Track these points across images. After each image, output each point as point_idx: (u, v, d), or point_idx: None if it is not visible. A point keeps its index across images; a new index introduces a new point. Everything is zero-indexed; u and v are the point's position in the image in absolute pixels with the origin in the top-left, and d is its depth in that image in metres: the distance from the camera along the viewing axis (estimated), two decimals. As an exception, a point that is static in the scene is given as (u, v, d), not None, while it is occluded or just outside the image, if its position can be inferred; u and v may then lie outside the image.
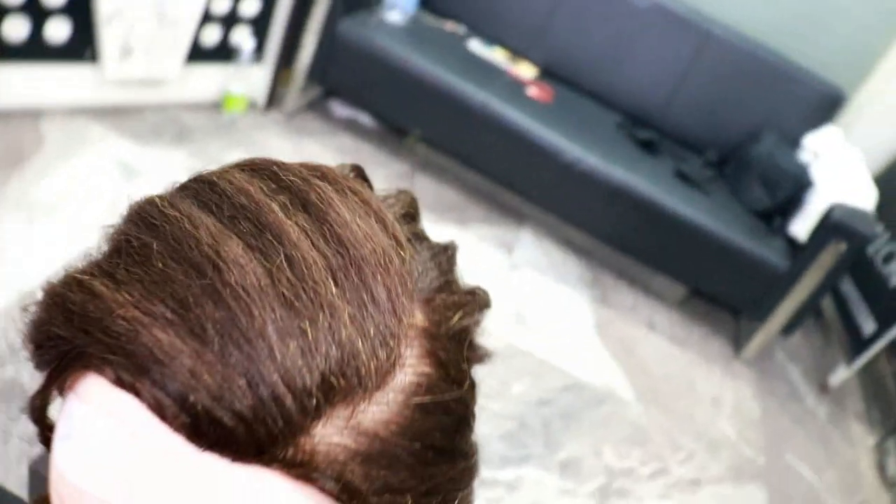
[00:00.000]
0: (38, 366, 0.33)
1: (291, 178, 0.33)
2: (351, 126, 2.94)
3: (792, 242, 2.64)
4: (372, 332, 0.29)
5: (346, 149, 2.79)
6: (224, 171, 0.33)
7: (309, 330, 0.28)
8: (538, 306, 2.52)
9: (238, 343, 0.27)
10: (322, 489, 0.29)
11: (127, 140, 2.34)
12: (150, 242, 0.30)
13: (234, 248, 0.29)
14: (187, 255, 0.29)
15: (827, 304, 3.03)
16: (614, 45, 2.92)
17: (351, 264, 0.30)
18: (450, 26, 3.00)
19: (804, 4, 2.87)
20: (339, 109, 2.97)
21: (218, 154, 2.46)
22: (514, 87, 2.76)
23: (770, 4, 2.90)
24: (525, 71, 2.94)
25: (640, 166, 2.67)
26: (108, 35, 2.20)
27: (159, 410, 0.28)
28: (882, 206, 2.68)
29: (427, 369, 0.32)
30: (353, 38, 2.61)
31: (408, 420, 0.31)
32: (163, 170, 2.30)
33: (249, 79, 2.62)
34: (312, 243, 0.30)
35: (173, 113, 2.54)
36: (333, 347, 0.28)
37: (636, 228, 2.64)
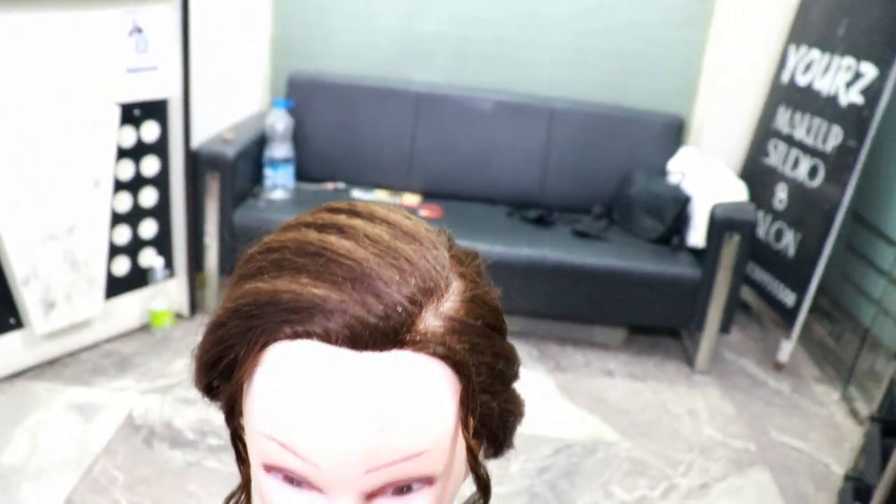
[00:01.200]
0: (215, 376, 0.50)
1: (345, 205, 0.52)
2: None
3: (695, 252, 2.90)
4: (431, 260, 0.47)
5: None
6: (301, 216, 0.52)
7: (396, 264, 0.45)
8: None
9: (360, 281, 0.44)
10: (434, 354, 0.45)
11: (73, 386, 2.41)
12: (280, 253, 0.47)
13: (332, 239, 0.47)
14: (307, 251, 0.46)
15: (748, 294, 3.28)
16: (478, 149, 3.22)
17: (402, 232, 0.48)
18: (330, 186, 3.25)
19: (622, 60, 3.28)
20: (259, 293, 3.12)
21: (164, 368, 2.55)
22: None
23: (594, 69, 3.30)
24: (410, 200, 3.19)
25: (541, 240, 2.91)
26: (29, 296, 2.31)
27: (328, 337, 0.43)
28: (753, 195, 3.00)
29: (465, 281, 0.50)
30: (251, 224, 2.80)
31: (467, 307, 0.48)
32: (119, 400, 2.36)
33: (168, 293, 2.76)
34: (374, 227, 0.48)
35: (107, 347, 2.63)
36: (414, 271, 0.46)
37: (560, 293, 2.84)
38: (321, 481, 0.45)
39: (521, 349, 2.88)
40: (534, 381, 2.74)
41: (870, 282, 2.90)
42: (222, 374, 0.49)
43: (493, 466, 1.84)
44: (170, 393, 2.43)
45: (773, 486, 2.33)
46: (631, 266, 2.81)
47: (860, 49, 2.71)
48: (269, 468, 0.46)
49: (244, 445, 0.51)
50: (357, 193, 3.20)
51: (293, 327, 0.44)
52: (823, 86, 2.86)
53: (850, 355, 2.94)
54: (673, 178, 3.08)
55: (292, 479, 0.46)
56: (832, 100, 2.80)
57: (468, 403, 0.47)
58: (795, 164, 2.96)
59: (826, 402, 2.85)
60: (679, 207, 2.91)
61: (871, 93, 2.61)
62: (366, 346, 0.43)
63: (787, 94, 3.07)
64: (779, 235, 3.00)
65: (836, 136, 2.75)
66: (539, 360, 2.89)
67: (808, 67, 2.97)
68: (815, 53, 2.94)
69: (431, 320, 0.45)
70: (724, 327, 2.87)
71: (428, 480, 0.46)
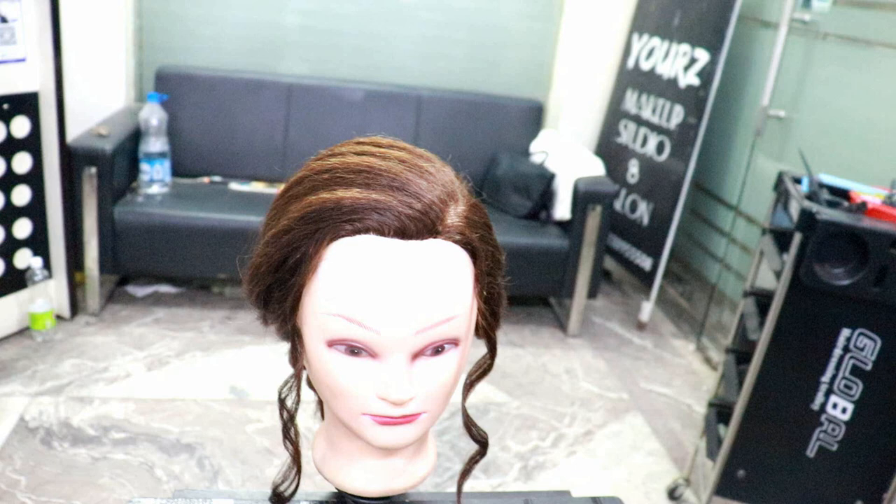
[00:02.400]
0: (276, 279, 0.61)
1: (369, 139, 0.67)
2: (157, 299, 3.05)
3: (561, 225, 3.14)
4: (445, 175, 0.61)
5: (164, 320, 2.90)
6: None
7: (423, 176, 0.59)
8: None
9: (401, 189, 0.57)
10: (457, 241, 0.59)
11: (-46, 395, 2.31)
12: (330, 174, 0.60)
13: (371, 160, 0.60)
14: (353, 169, 0.59)
15: (609, 263, 3.58)
16: (350, 137, 3.31)
17: (418, 155, 0.62)
18: (206, 180, 3.24)
19: (482, 50, 3.48)
20: (139, 290, 3.08)
21: (51, 370, 2.48)
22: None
23: (456, 59, 3.48)
24: (289, 189, 3.24)
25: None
26: None
27: (381, 231, 0.57)
28: (609, 171, 3.29)
29: (466, 190, 0.63)
30: (130, 219, 2.77)
31: (472, 209, 0.62)
32: (7, 406, 2.29)
33: (48, 294, 2.68)
34: (398, 152, 0.62)
35: (-14, 354, 2.53)
36: (436, 181, 0.59)
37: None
38: (380, 345, 0.58)
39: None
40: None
41: (714, 243, 3.26)
42: (286, 273, 0.60)
43: None
44: (63, 393, 2.38)
45: (647, 428, 2.60)
46: (504, 241, 2.96)
47: (693, 36, 3.05)
48: (332, 343, 0.59)
49: (300, 339, 0.62)
50: (235, 186, 3.22)
51: (354, 224, 0.56)
52: (664, 70, 3.18)
53: (700, 311, 3.29)
54: (537, 158, 3.32)
55: (353, 350, 0.59)
56: (673, 82, 3.12)
57: (481, 280, 0.62)
58: (644, 141, 3.27)
59: (683, 353, 3.18)
60: (544, 184, 3.14)
61: (705, 75, 2.95)
62: (410, 237, 0.57)
63: (633, 78, 3.38)
64: (633, 207, 3.31)
65: (678, 114, 3.08)
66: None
67: (650, 53, 3.29)
68: (656, 41, 3.26)
69: (453, 217, 0.59)
70: (592, 293, 3.14)
71: (455, 342, 0.61)
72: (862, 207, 1.67)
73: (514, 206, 3.21)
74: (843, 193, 1.79)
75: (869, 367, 1.69)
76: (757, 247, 2.06)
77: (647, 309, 3.29)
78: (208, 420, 2.35)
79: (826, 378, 1.73)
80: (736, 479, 1.86)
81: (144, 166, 2.95)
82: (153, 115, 2.94)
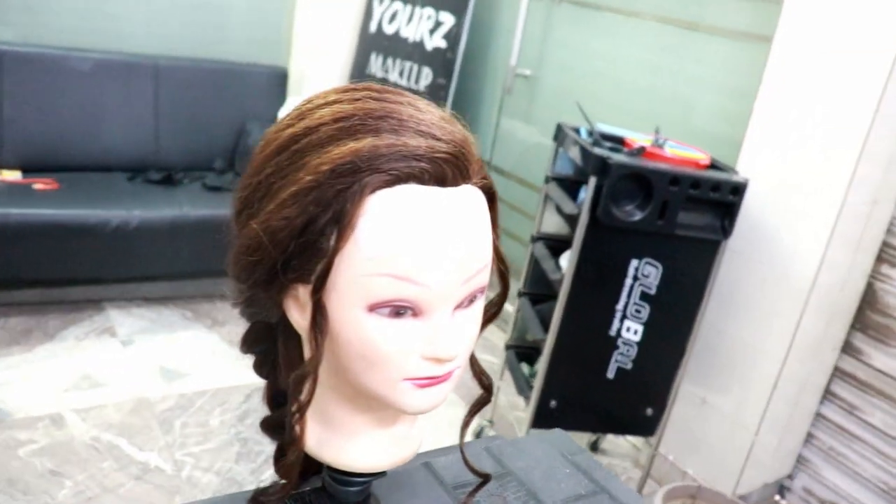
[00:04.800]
0: (296, 245, 0.53)
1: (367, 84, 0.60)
2: None
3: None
4: (456, 121, 0.58)
5: None
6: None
7: (442, 122, 0.56)
8: (177, 357, 2.57)
9: (430, 135, 0.53)
10: (481, 186, 0.57)
11: None
12: (349, 122, 0.54)
13: (391, 106, 0.55)
14: (375, 116, 0.54)
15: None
16: (82, 113, 2.95)
17: (424, 101, 0.58)
18: None
19: (215, 14, 3.27)
20: None
21: None
22: (20, 190, 2.65)
23: (190, 24, 3.23)
24: (9, 175, 2.81)
25: (176, 199, 2.83)
26: None
27: (421, 178, 0.52)
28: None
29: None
30: None
31: (478, 153, 0.59)
32: None
33: None
34: (406, 97, 0.58)
35: None
36: (454, 126, 0.56)
37: (203, 249, 2.79)
38: (428, 302, 0.54)
39: (174, 313, 2.83)
40: (198, 340, 2.70)
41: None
42: (314, 236, 0.53)
43: (193, 430, 1.88)
44: None
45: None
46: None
47: (437, 1, 3.15)
48: (375, 307, 0.53)
49: (321, 311, 0.55)
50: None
51: (393, 174, 0.52)
52: (409, 33, 3.25)
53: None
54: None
55: (398, 311, 0.54)
56: (419, 45, 3.20)
57: (496, 224, 0.61)
58: (394, 104, 3.32)
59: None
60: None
61: (452, 38, 3.07)
62: (446, 183, 0.54)
63: (377, 42, 3.41)
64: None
65: (426, 76, 3.17)
66: (195, 319, 2.84)
67: (393, 17, 3.34)
68: (398, 5, 3.32)
69: (475, 160, 0.57)
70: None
71: (483, 290, 0.59)
72: (641, 151, 1.87)
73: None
74: (619, 140, 1.99)
75: (654, 292, 1.92)
76: (541, 194, 2.21)
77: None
78: (-35, 450, 1.99)
79: (620, 306, 1.93)
80: (549, 410, 2.01)
81: None
82: None
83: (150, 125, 3.10)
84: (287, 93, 3.40)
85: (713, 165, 1.92)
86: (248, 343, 0.72)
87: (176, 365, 2.52)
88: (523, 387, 2.16)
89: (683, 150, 1.92)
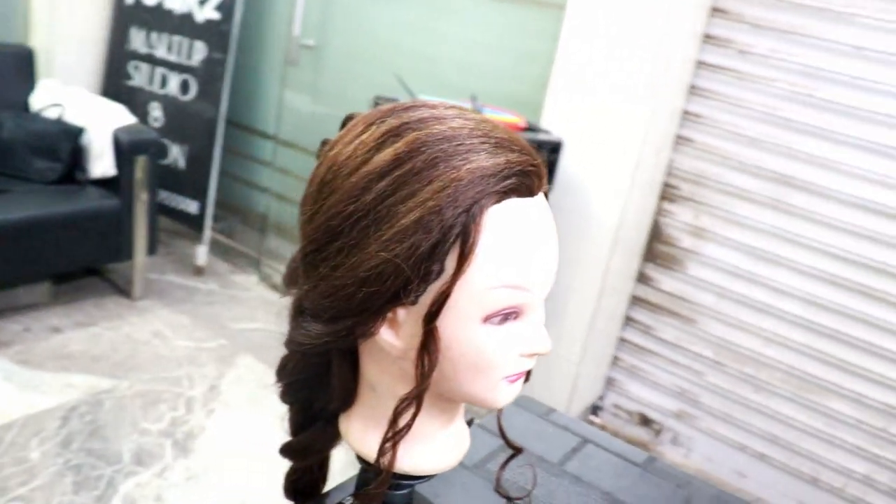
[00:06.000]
0: (429, 264, 0.55)
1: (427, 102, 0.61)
2: None
3: (104, 183, 2.83)
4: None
5: None
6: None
7: (517, 137, 0.59)
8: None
9: (518, 150, 0.57)
10: (544, 193, 0.60)
11: None
12: (444, 144, 0.56)
13: (472, 124, 0.58)
14: (469, 133, 0.56)
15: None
16: None
17: (496, 126, 0.60)
18: None
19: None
20: None
21: None
22: None
23: None
24: None
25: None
26: None
27: (522, 192, 0.56)
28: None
29: None
30: None
31: None
32: None
33: None
34: (460, 108, 0.60)
35: None
36: (527, 148, 0.59)
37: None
38: (529, 305, 0.58)
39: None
40: (-18, 366, 2.39)
41: (257, 175, 3.33)
42: (440, 258, 0.54)
43: (12, 465, 1.75)
44: None
45: (261, 364, 2.64)
46: (41, 213, 2.59)
47: (198, -32, 2.97)
48: (489, 317, 0.56)
49: (435, 337, 0.57)
50: None
51: (502, 190, 0.55)
52: (175, 4, 3.04)
53: (254, 243, 3.37)
54: (50, 113, 2.89)
55: (506, 317, 0.57)
56: (188, 17, 3.01)
57: None
58: (164, 81, 3.11)
59: (250, 286, 3.25)
60: (72, 141, 2.78)
61: (226, 8, 2.92)
62: (534, 194, 0.58)
63: (136, 15, 3.14)
64: (162, 152, 3.15)
65: (200, 50, 3.00)
66: (-30, 343, 2.50)
67: (151, -12, 3.10)
68: (157, -26, 3.08)
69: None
70: (151, 249, 2.95)
71: None
72: (467, 118, 1.96)
73: (39, 172, 2.77)
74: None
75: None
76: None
77: (202, 253, 3.23)
78: None
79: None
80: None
81: None
82: None
83: None
84: (36, 76, 3.03)
85: (529, 128, 2.07)
86: (289, 372, 0.69)
87: (-36, 396, 2.22)
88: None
89: (500, 115, 2.05)
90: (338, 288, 0.57)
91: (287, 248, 3.29)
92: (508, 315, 0.57)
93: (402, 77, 2.13)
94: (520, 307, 0.57)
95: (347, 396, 0.68)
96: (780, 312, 2.22)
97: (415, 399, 0.59)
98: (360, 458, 0.68)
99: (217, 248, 3.48)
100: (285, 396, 0.72)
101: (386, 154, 0.55)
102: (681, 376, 2.44)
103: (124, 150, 2.75)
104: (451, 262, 0.54)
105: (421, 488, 0.77)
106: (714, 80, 2.23)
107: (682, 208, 2.35)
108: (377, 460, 0.62)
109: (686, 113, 2.28)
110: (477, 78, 2.52)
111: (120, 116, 2.87)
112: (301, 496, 0.79)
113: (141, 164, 2.78)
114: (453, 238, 0.53)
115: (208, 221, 3.14)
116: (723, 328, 2.32)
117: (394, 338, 0.58)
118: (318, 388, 0.70)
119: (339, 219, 0.56)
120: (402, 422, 0.60)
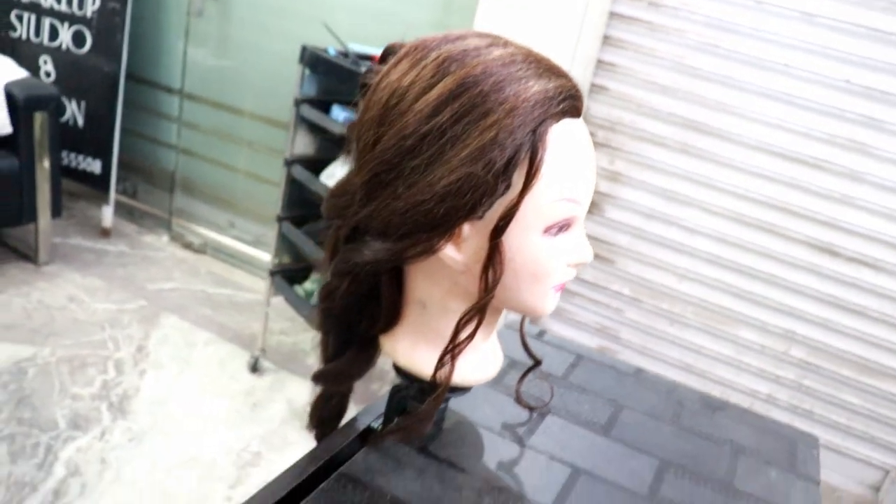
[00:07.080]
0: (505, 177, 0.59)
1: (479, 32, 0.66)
2: None
3: (1, 142, 2.66)
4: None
5: None
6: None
7: (561, 68, 0.64)
8: None
9: (564, 75, 0.63)
10: (584, 117, 0.66)
11: None
12: (511, 67, 0.61)
13: (525, 51, 0.63)
14: (523, 59, 0.62)
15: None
16: None
17: (541, 55, 0.65)
18: None
19: None
20: None
21: None
22: None
23: None
24: None
25: None
26: None
27: (573, 112, 0.62)
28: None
29: None
30: None
31: None
32: None
33: None
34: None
35: None
36: (570, 74, 0.64)
37: None
38: (578, 217, 0.64)
39: None
40: None
41: (164, 131, 3.21)
42: (511, 173, 0.59)
43: None
44: None
45: (185, 323, 2.59)
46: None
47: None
48: (549, 228, 0.62)
49: (500, 251, 0.61)
50: None
51: (562, 111, 0.61)
52: (65, -50, 2.86)
53: (164, 202, 3.26)
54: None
55: (560, 229, 0.63)
56: (80, -36, 2.84)
57: None
58: (54, 33, 2.93)
59: (161, 246, 3.15)
60: (-40, 98, 2.60)
61: (123, -46, 2.78)
62: (580, 115, 0.64)
63: (20, -38, 2.94)
64: (61, 109, 2.99)
65: (94, 0, 2.84)
66: None
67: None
68: (42, -83, 2.88)
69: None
70: (56, 212, 2.81)
71: None
72: (402, 68, 1.98)
73: (-74, 131, 2.57)
74: (369, 58, 2.07)
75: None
76: (291, 118, 2.20)
77: (108, 214, 3.10)
78: None
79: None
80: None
81: None
82: None
83: None
84: None
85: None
86: (339, 296, 0.70)
87: None
88: (302, 305, 2.20)
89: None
90: (416, 204, 0.59)
91: (197, 206, 3.21)
92: (562, 227, 0.62)
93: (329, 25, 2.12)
94: (571, 219, 0.63)
95: (394, 316, 0.71)
96: (691, 250, 2.39)
97: (478, 311, 0.64)
98: (403, 375, 0.72)
99: (122, 209, 3.35)
100: (325, 324, 0.74)
101: (455, 76, 0.59)
102: (601, 314, 2.58)
103: (20, 106, 2.59)
104: (517, 178, 0.59)
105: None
106: (627, 30, 2.34)
107: (598, 154, 2.47)
108: (434, 375, 0.66)
109: (600, 62, 2.39)
110: (402, 28, 2.53)
111: (9, 70, 2.70)
112: (325, 425, 0.83)
113: (39, 122, 2.63)
114: (524, 155, 0.58)
115: (112, 182, 3.01)
116: (639, 267, 2.48)
117: (457, 253, 0.62)
118: (360, 312, 0.72)
119: (413, 138, 0.59)
120: (464, 334, 0.64)
